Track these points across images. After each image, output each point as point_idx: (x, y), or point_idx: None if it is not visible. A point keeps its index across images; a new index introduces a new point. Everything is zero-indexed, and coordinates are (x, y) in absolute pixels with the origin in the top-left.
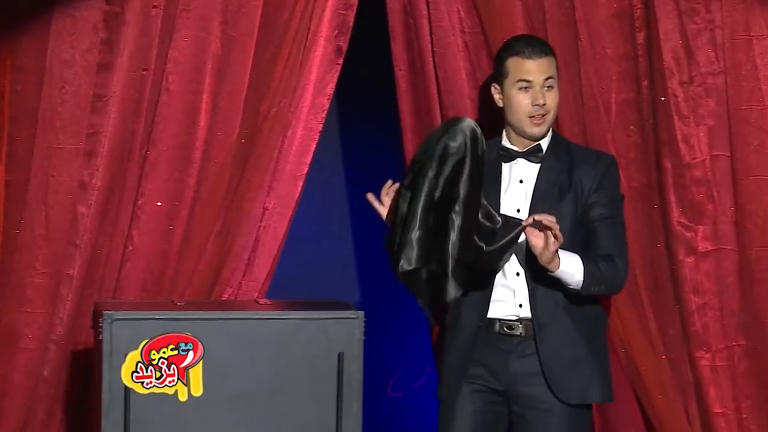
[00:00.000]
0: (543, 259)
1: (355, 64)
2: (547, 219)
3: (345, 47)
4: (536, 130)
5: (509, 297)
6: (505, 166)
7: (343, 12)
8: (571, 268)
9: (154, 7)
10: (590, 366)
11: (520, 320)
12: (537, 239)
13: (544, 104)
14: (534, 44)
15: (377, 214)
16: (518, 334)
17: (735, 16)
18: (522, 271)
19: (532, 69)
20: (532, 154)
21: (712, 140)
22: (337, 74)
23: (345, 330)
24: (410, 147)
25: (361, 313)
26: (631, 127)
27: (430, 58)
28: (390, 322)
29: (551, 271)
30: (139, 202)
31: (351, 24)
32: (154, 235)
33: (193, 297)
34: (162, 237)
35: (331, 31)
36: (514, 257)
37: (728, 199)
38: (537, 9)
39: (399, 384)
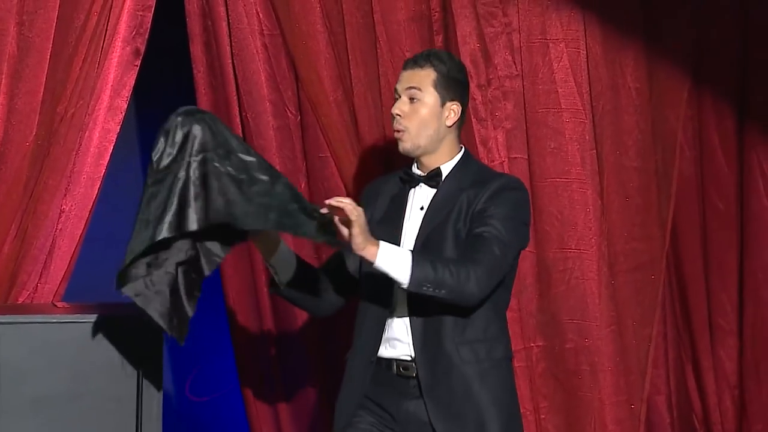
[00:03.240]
0: (355, 247)
1: (155, 65)
2: (337, 200)
3: (143, 48)
4: (400, 146)
5: (403, 334)
6: (410, 192)
7: (141, 13)
8: (394, 259)
9: None
10: (479, 401)
11: (413, 360)
12: (343, 229)
13: (399, 115)
14: (418, 55)
15: None
16: (413, 375)
17: (531, 20)
18: (405, 302)
19: (400, 79)
20: (431, 179)
21: (510, 143)
22: (135, 76)
23: (145, 332)
24: None
25: None
26: None
27: (229, 60)
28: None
29: (372, 263)
30: None
31: (149, 25)
32: None
33: None
34: None
35: (128, 33)
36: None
37: None
38: (335, 11)
39: (197, 385)
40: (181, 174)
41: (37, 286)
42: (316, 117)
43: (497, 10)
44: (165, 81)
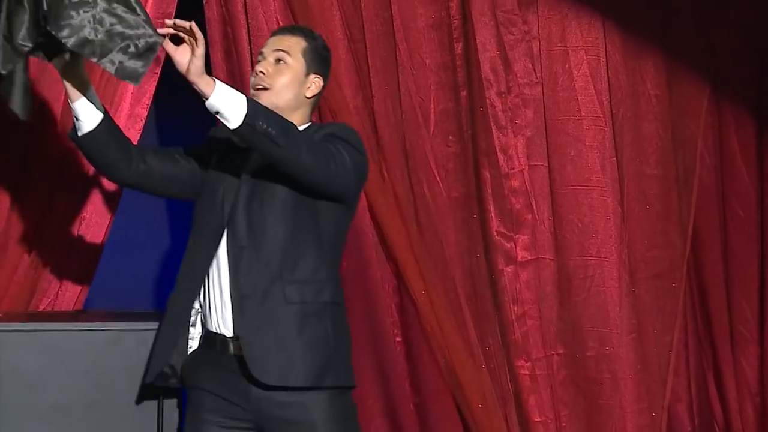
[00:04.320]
0: (192, 72)
1: (175, 72)
2: (190, 24)
3: (163, 56)
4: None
5: (225, 278)
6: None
7: (160, 21)
8: (231, 94)
9: None
10: (296, 346)
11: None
12: (181, 55)
13: (263, 73)
14: (290, 26)
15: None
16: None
17: (551, 27)
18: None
19: (268, 43)
20: None
21: (530, 150)
22: (155, 84)
23: None
24: None
25: None
26: (450, 137)
27: (249, 68)
28: None
29: (206, 97)
30: None
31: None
32: None
33: (10, 308)
34: None
35: None
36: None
37: (546, 209)
38: (355, 18)
39: None
40: None
41: (57, 293)
42: None
43: (517, 18)
44: (185, 89)
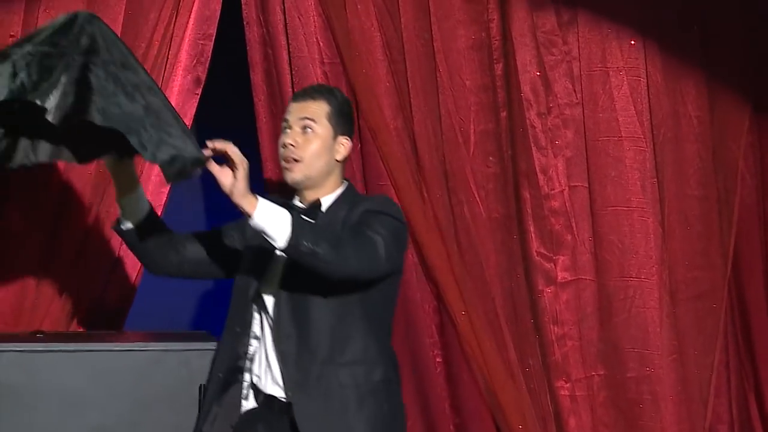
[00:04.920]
0: (235, 194)
1: (216, 93)
2: (229, 148)
3: (204, 77)
4: (288, 176)
5: (273, 360)
6: None
7: (201, 42)
8: (274, 213)
9: (12, 36)
10: (356, 428)
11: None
12: (225, 173)
13: (293, 145)
14: (309, 88)
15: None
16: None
17: (592, 48)
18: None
19: (291, 109)
20: (310, 211)
21: (570, 171)
22: (196, 104)
23: (206, 361)
24: (271, 176)
25: None
26: (490, 158)
27: (290, 89)
28: None
29: (250, 217)
30: None
31: (209, 54)
32: (12, 265)
33: (52, 328)
34: (20, 268)
35: (189, 61)
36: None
37: (587, 230)
38: (396, 40)
39: None
40: (73, 58)
41: (98, 313)
42: (376, 145)
43: (557, 38)
44: (225, 109)
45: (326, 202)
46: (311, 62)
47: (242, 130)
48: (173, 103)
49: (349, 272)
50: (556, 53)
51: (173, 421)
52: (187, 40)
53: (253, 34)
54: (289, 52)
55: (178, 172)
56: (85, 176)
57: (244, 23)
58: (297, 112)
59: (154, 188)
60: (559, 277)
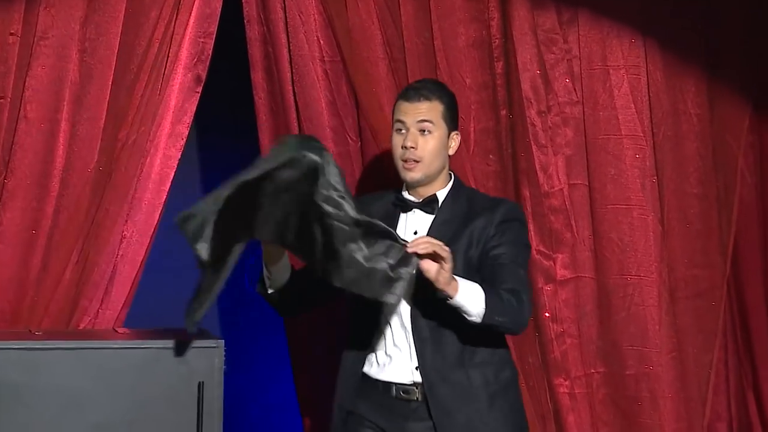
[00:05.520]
0: (441, 282)
1: (216, 91)
2: (433, 246)
3: (204, 75)
4: (408, 176)
5: (404, 359)
6: (402, 217)
7: (202, 40)
8: (471, 293)
9: (12, 34)
10: (490, 422)
11: (415, 384)
12: (429, 264)
13: (414, 147)
14: (419, 87)
15: None
16: (415, 399)
17: (592, 46)
18: (409, 327)
19: (407, 110)
20: (427, 205)
21: (570, 169)
22: (196, 102)
23: (205, 359)
24: None
25: (221, 342)
26: (490, 156)
27: (290, 87)
28: (250, 350)
29: (450, 297)
30: None
31: (210, 52)
32: (12, 264)
33: (51, 326)
34: (19, 266)
35: (190, 59)
36: (402, 313)
37: (586, 228)
38: (396, 38)
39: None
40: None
41: (98, 312)
42: (377, 143)
43: (558, 37)
44: (226, 107)
45: (441, 196)
46: (312, 60)
47: (242, 129)
48: (173, 102)
49: (524, 326)
50: (556, 51)
51: (173, 418)
52: (187, 38)
53: (253, 32)
54: (289, 50)
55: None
56: (85, 175)
57: (245, 21)
58: (413, 114)
59: (155, 186)
60: (559, 275)
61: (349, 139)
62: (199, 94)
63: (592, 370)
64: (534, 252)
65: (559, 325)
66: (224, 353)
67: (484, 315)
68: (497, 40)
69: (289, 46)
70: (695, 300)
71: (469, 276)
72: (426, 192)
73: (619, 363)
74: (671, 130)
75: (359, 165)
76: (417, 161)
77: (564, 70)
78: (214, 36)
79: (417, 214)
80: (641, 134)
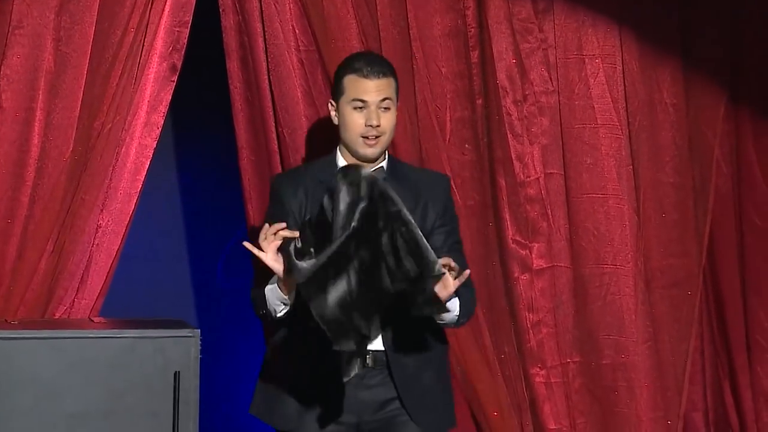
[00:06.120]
0: (445, 298)
1: (192, 80)
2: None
3: (179, 64)
4: (369, 152)
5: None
6: None
7: (177, 29)
8: (452, 304)
9: None
10: (439, 394)
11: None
12: (442, 289)
13: (378, 125)
14: (373, 63)
15: (255, 259)
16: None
17: (567, 35)
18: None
19: (369, 89)
20: (378, 176)
21: (546, 158)
22: (172, 91)
23: (181, 349)
24: (246, 165)
25: (197, 331)
26: (466, 145)
27: (266, 76)
28: (226, 339)
29: (444, 313)
30: None
31: (185, 41)
32: None
33: (26, 315)
34: None
35: (165, 48)
36: None
37: (562, 217)
38: (372, 27)
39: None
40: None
41: (74, 301)
42: None
43: (533, 26)
44: (201, 97)
45: (385, 165)
46: (287, 49)
47: (217, 117)
48: (149, 92)
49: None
50: (532, 41)
51: (149, 408)
52: (162, 27)
53: (228, 21)
54: (264, 40)
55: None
56: (60, 164)
57: (220, 10)
58: (376, 93)
59: (130, 176)
60: (535, 264)
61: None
62: (174, 83)
63: (568, 360)
64: (510, 241)
65: (535, 315)
66: (200, 343)
67: (458, 321)
68: (473, 30)
69: (264, 36)
70: (671, 289)
71: None
72: (364, 162)
73: (596, 352)
74: (647, 119)
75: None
76: (378, 137)
77: (540, 60)
78: (190, 25)
79: None
80: (617, 123)
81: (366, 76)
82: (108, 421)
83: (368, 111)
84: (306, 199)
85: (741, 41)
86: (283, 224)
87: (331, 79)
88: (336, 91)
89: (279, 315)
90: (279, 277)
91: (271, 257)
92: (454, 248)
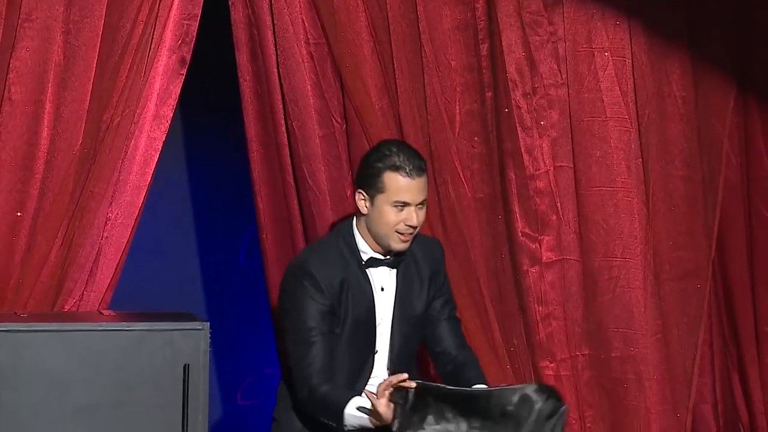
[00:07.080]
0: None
1: (201, 73)
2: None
3: (188, 57)
4: (401, 246)
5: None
6: (369, 272)
7: (186, 22)
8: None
9: None
10: None
11: None
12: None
13: (416, 227)
14: (413, 158)
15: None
16: None
17: (577, 28)
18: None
19: (412, 190)
20: (394, 261)
21: (556, 151)
22: (181, 84)
23: (190, 341)
24: (255, 157)
25: (207, 324)
26: (476, 138)
27: (275, 69)
28: (235, 332)
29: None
30: None
31: (194, 34)
32: None
33: (36, 308)
34: (4, 248)
35: (174, 41)
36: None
37: (571, 210)
38: (381, 20)
39: (248, 391)
40: None
41: (83, 294)
42: (362, 126)
43: (543, 19)
44: (211, 90)
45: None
46: (296, 42)
47: (227, 110)
48: (158, 84)
49: None
50: (541, 33)
51: (158, 401)
52: (172, 20)
53: (238, 14)
54: (274, 33)
55: None
56: (70, 156)
57: (230, 3)
58: (417, 194)
59: (139, 168)
60: (544, 257)
61: (334, 121)
62: (184, 76)
63: (578, 353)
64: (519, 234)
65: (544, 308)
66: (209, 335)
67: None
68: (482, 23)
69: (273, 29)
70: (680, 282)
71: (423, 326)
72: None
73: (605, 345)
74: (656, 112)
75: (344, 147)
76: (412, 233)
77: (549, 52)
78: (199, 18)
79: (381, 270)
80: (626, 116)
81: (409, 175)
82: (117, 414)
83: (409, 210)
84: (341, 290)
85: (750, 33)
86: (405, 375)
87: (340, 71)
88: (371, 185)
89: (347, 429)
90: (368, 410)
91: (384, 402)
92: (452, 316)
